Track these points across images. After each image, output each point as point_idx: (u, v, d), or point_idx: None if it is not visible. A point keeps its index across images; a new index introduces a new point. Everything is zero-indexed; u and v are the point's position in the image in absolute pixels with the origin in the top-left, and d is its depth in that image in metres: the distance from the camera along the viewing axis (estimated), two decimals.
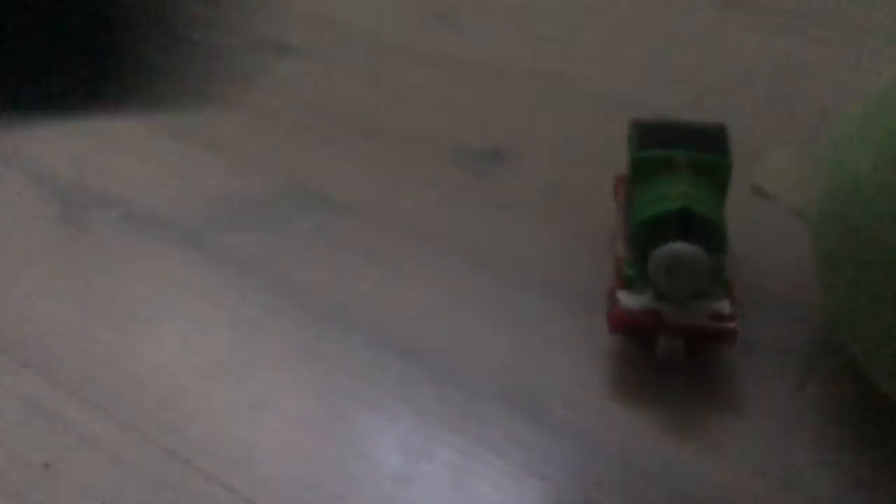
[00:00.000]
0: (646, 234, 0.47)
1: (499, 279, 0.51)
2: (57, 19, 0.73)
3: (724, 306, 0.46)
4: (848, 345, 0.43)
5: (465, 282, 0.51)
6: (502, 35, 0.70)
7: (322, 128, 0.63)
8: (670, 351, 0.46)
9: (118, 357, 0.47)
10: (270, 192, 0.57)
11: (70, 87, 0.65)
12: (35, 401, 0.45)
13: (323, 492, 0.40)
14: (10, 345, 0.48)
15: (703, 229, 0.46)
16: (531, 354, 0.47)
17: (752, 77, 0.66)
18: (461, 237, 0.53)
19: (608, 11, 0.72)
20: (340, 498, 0.40)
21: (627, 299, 0.46)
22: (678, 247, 0.44)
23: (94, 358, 0.47)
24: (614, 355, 0.48)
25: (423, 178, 0.58)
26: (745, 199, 0.52)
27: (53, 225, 0.56)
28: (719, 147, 0.48)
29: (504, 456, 0.42)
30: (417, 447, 0.42)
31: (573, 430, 0.44)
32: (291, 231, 0.54)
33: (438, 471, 0.41)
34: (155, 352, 0.48)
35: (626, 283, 0.47)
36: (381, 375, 0.45)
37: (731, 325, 0.45)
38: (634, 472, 0.43)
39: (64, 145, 0.62)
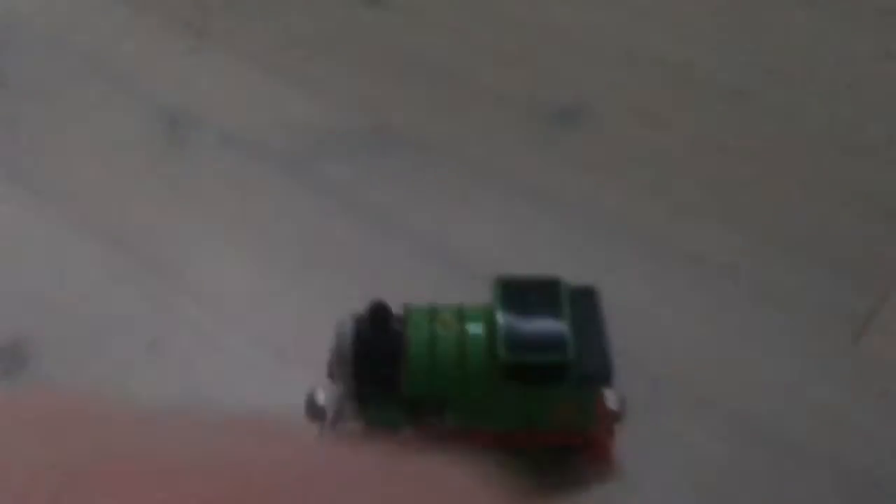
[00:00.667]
0: None
1: (565, 221, 0.55)
2: None
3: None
4: None
5: (531, 217, 0.55)
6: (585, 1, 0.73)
7: (409, 75, 0.65)
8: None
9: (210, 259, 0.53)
10: (358, 129, 0.62)
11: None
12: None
13: None
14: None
15: None
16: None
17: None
18: (531, 181, 0.58)
19: None
20: None
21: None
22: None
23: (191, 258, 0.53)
24: None
25: (499, 127, 0.61)
26: None
27: (157, 143, 0.61)
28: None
29: None
30: None
31: None
32: (375, 164, 0.59)
33: None
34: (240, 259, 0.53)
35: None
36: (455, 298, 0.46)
37: None
38: None
39: (170, 72, 0.67)
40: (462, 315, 0.42)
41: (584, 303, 0.44)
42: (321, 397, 0.44)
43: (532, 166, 0.60)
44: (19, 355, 0.49)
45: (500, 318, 0.41)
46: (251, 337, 0.50)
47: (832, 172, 0.59)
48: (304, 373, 0.45)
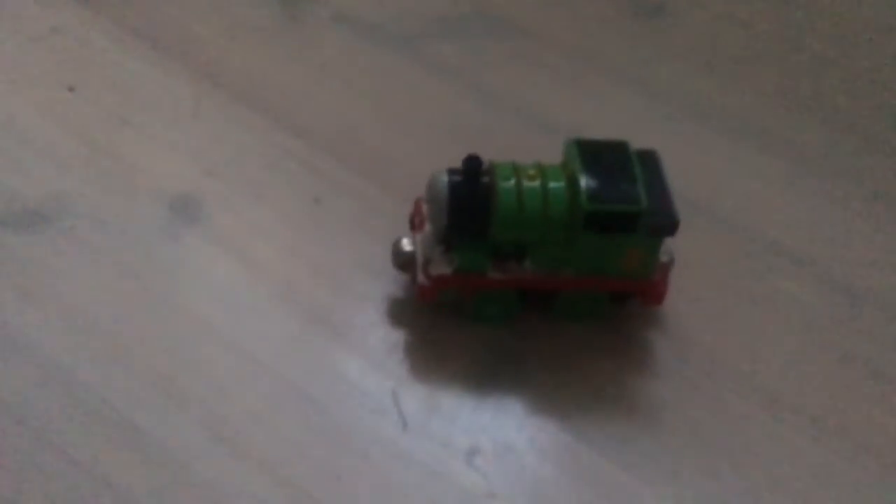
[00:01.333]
0: None
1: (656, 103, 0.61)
2: None
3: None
4: None
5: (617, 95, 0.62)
6: None
7: None
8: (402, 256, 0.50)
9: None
10: (466, 13, 0.67)
11: None
12: None
13: None
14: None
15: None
16: None
17: None
18: (625, 64, 0.65)
19: None
20: None
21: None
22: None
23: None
24: None
25: (598, 18, 0.68)
26: None
27: (271, 13, 0.65)
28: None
29: None
30: None
31: None
32: (483, 47, 0.64)
33: None
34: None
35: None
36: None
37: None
38: None
39: None
40: (543, 170, 0.47)
41: (649, 163, 0.48)
42: (407, 246, 0.49)
43: (623, 51, 0.65)
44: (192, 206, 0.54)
45: (580, 172, 0.46)
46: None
47: None
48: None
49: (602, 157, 0.47)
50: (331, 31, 0.65)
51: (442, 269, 0.47)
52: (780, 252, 0.54)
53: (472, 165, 0.45)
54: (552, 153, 0.49)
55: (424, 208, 0.48)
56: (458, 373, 0.47)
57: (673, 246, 0.48)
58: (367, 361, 0.48)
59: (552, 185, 0.46)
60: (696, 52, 0.66)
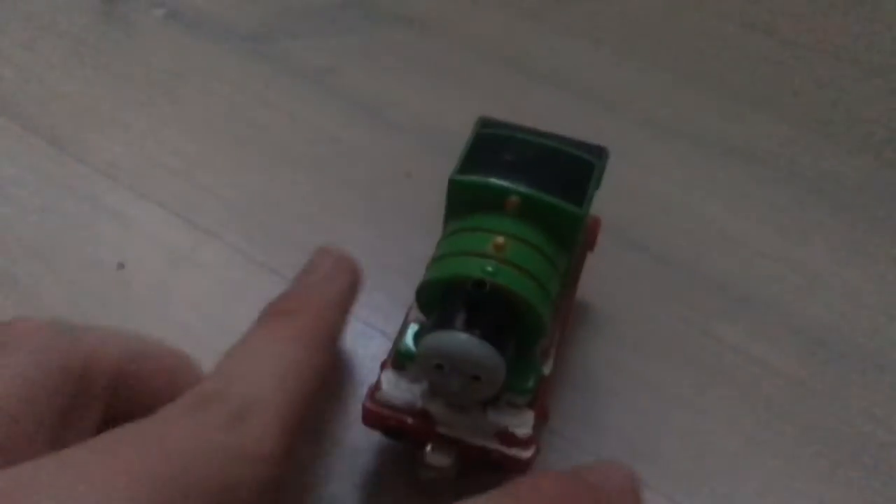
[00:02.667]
0: (435, 297, 0.31)
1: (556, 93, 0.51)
2: None
3: (521, 423, 0.31)
4: None
5: (524, 97, 0.51)
6: None
7: None
8: (436, 470, 0.31)
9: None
10: (333, 2, 0.57)
11: None
12: None
13: None
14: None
15: (512, 309, 0.30)
16: None
17: None
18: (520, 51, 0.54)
19: None
20: None
21: (392, 386, 0.32)
22: (455, 339, 0.29)
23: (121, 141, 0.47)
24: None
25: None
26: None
27: (95, 18, 0.54)
28: (578, 187, 0.32)
29: None
30: None
31: None
32: (354, 41, 0.54)
33: None
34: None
35: (399, 361, 0.32)
36: None
37: (524, 453, 0.31)
38: None
39: None
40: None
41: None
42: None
43: (522, 36, 0.54)
44: None
45: None
46: None
47: None
48: None
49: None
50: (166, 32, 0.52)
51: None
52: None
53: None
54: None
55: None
56: None
57: None
58: None
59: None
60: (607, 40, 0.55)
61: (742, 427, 0.36)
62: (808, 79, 0.54)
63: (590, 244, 0.38)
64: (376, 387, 0.32)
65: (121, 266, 0.41)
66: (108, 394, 0.26)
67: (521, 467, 0.31)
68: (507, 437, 0.31)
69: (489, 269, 0.30)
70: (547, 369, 0.32)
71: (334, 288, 0.33)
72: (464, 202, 0.32)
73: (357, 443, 0.35)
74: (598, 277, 0.40)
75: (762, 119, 0.50)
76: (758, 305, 0.41)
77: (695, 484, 0.35)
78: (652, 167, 0.47)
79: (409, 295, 0.33)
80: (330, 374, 0.37)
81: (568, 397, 0.37)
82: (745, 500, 0.34)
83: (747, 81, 0.53)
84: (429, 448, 0.31)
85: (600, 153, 0.34)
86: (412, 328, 0.33)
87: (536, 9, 0.58)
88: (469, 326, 0.29)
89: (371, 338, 0.38)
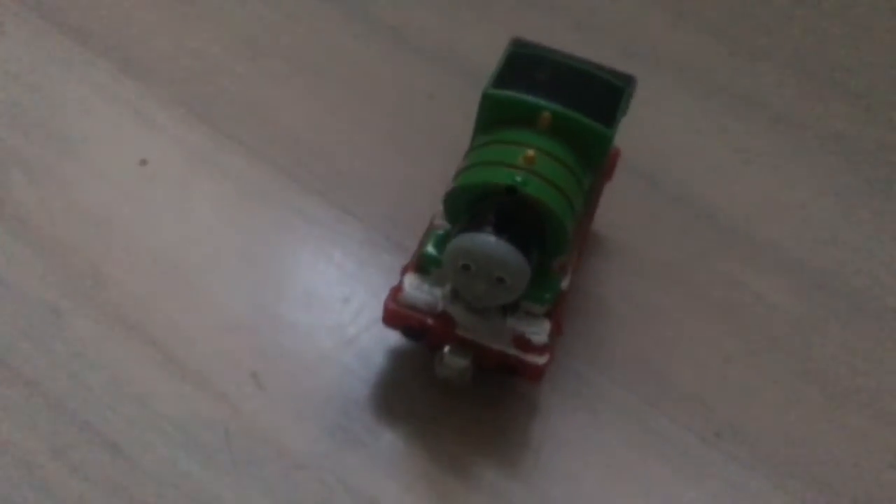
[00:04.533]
0: (463, 205, 0.32)
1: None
2: None
3: (538, 331, 0.32)
4: None
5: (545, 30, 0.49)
6: None
7: None
8: (453, 371, 0.33)
9: None
10: None
11: None
12: None
13: None
14: None
15: (538, 221, 0.31)
16: None
17: None
18: None
19: None
20: None
21: (414, 289, 0.33)
22: (485, 242, 0.30)
23: None
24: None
25: None
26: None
27: None
28: (607, 110, 0.33)
29: None
30: None
31: None
32: None
33: None
34: None
35: (422, 265, 0.33)
36: None
37: (539, 359, 0.32)
38: None
39: None
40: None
41: None
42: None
43: None
44: None
45: None
46: None
47: None
48: None
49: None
50: None
51: None
52: None
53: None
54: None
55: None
56: None
57: None
58: None
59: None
60: None
61: (739, 355, 0.38)
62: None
63: (609, 174, 0.39)
64: (399, 288, 0.33)
65: (143, 162, 0.42)
66: None
67: (537, 373, 0.32)
68: (524, 343, 0.32)
69: (519, 178, 0.31)
70: (565, 284, 0.33)
71: None
72: (495, 117, 0.33)
73: (374, 346, 0.36)
74: (613, 209, 0.41)
75: (770, 69, 0.51)
76: (763, 246, 0.42)
77: (690, 403, 0.36)
78: (671, 111, 0.48)
79: (428, 211, 0.34)
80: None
81: (576, 318, 0.38)
82: (741, 422, 0.36)
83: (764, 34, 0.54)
84: (447, 349, 0.33)
85: (629, 81, 0.35)
86: (435, 234, 0.34)
87: None
88: (498, 231, 0.30)
89: (387, 249, 0.40)
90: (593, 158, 0.33)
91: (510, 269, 0.30)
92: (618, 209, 0.41)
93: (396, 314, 0.33)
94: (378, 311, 0.33)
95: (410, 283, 0.33)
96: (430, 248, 0.33)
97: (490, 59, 0.35)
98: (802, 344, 0.39)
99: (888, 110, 0.49)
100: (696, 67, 0.50)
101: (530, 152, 0.31)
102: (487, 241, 0.30)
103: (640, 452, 0.35)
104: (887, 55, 0.52)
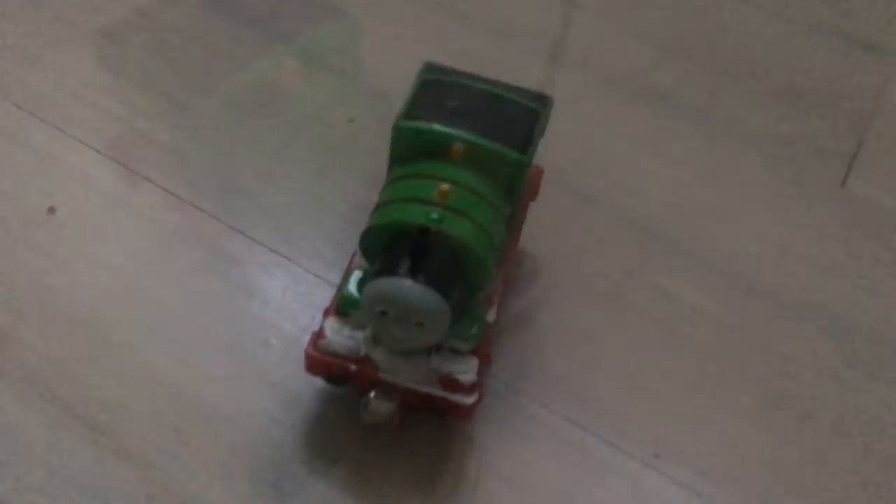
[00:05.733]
0: (379, 245, 0.31)
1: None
2: None
3: (465, 370, 0.31)
4: None
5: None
6: None
7: None
8: (379, 416, 0.31)
9: None
10: None
11: None
12: None
13: None
14: None
15: (457, 256, 0.30)
16: None
17: None
18: None
19: None
20: None
21: (335, 333, 0.31)
22: (400, 286, 0.29)
23: None
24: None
25: None
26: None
27: None
28: (523, 134, 0.32)
29: None
30: None
31: None
32: None
33: None
34: None
35: (343, 307, 0.32)
36: None
37: (467, 399, 0.31)
38: None
39: None
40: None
41: None
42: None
43: None
44: None
45: None
46: None
47: None
48: None
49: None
50: None
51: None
52: None
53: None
54: None
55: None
56: None
57: None
58: None
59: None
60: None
61: (674, 369, 0.37)
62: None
63: (532, 194, 0.38)
64: (319, 334, 0.32)
65: (52, 210, 0.40)
66: None
67: (465, 413, 0.31)
68: (451, 384, 0.31)
69: (434, 216, 0.29)
70: (491, 316, 0.32)
71: None
72: (408, 148, 0.32)
73: (299, 389, 0.35)
74: (540, 227, 0.40)
75: (689, 68, 0.51)
76: (691, 254, 0.41)
77: (627, 424, 0.35)
78: (594, 119, 0.47)
79: (351, 242, 0.33)
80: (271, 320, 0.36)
81: (507, 343, 0.37)
82: (678, 440, 0.35)
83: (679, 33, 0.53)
84: (372, 394, 0.31)
85: (545, 101, 0.34)
86: (356, 275, 0.32)
87: None
88: (414, 273, 0.29)
89: (313, 285, 0.38)
90: (512, 185, 0.32)
91: (428, 314, 0.29)
92: (546, 225, 0.40)
93: (317, 362, 0.31)
94: (302, 352, 0.32)
95: (331, 327, 0.32)
96: (351, 289, 0.32)
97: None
98: (735, 352, 0.38)
99: (817, 109, 0.49)
100: (623, 73, 0.49)
101: (444, 186, 0.30)
102: (402, 285, 0.29)
103: (583, 482, 0.34)
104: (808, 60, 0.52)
